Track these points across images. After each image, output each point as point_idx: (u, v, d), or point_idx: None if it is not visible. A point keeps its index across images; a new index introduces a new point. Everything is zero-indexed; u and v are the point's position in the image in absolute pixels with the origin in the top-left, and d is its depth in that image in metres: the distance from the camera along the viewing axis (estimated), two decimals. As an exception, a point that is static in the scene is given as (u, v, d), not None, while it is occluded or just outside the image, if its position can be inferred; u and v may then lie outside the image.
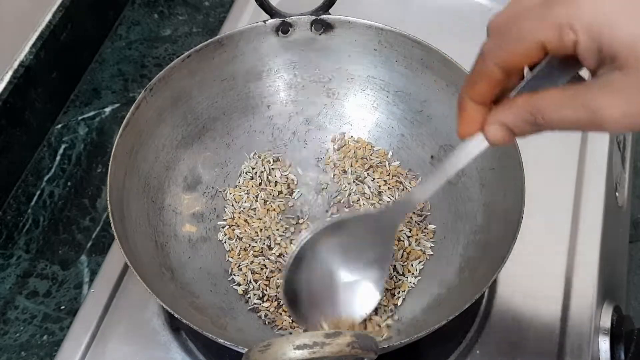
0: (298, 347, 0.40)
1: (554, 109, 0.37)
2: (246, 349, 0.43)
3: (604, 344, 0.61)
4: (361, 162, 0.67)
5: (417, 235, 0.63)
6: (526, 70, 0.39)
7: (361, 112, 0.68)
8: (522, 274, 0.63)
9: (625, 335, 0.61)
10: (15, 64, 0.74)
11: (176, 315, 0.51)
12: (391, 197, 0.65)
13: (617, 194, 0.75)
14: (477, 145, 0.42)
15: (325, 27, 0.65)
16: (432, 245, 0.62)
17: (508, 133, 0.39)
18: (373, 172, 0.66)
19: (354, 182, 0.66)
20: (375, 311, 0.57)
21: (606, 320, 0.63)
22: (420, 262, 0.62)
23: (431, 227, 0.63)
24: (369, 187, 0.65)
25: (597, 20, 0.34)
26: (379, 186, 0.65)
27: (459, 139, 0.42)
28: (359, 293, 0.54)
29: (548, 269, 0.64)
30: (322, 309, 0.53)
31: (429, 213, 0.64)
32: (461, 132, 0.42)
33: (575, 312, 0.62)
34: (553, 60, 0.38)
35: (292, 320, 0.59)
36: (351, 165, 0.67)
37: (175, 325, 0.62)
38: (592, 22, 0.34)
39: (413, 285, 0.60)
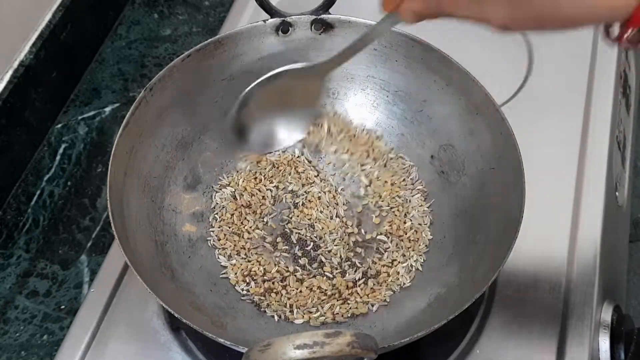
0: (298, 347, 0.40)
1: (454, 6, 0.44)
2: (246, 349, 0.43)
3: (604, 343, 0.61)
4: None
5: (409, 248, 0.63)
6: None
7: (361, 111, 0.68)
8: (522, 273, 0.63)
9: (625, 335, 0.61)
10: (15, 64, 0.74)
11: (176, 315, 0.51)
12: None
13: (617, 193, 0.75)
14: (393, 20, 0.51)
15: (325, 26, 0.65)
16: (423, 260, 0.63)
17: (417, 17, 0.47)
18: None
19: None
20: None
21: (606, 320, 0.63)
22: (407, 271, 0.62)
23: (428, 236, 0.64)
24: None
25: None
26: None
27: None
28: (295, 124, 0.66)
29: (548, 269, 0.64)
30: (265, 137, 0.66)
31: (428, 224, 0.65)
32: (385, 6, 0.50)
33: (575, 311, 0.62)
34: None
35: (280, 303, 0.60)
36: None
37: (175, 325, 0.62)
38: None
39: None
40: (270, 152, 0.68)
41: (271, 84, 0.61)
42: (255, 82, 0.61)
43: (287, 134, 0.66)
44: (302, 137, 0.67)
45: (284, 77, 0.61)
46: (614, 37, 0.44)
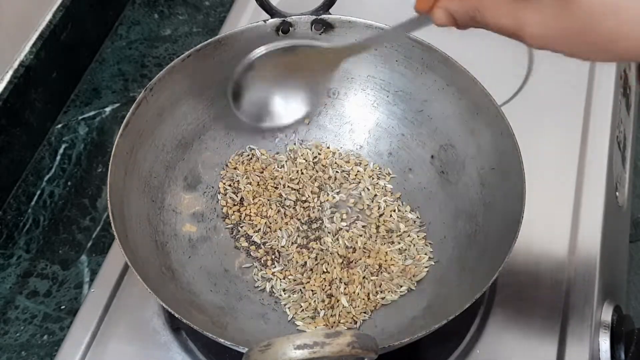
0: (298, 347, 0.40)
1: (492, 12, 0.40)
2: (246, 349, 0.43)
3: (604, 343, 0.61)
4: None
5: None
6: None
7: (361, 111, 0.68)
8: (523, 274, 0.63)
9: (625, 335, 0.61)
10: (16, 64, 0.73)
11: (176, 315, 0.51)
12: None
13: (617, 193, 0.75)
14: (425, 21, 0.46)
15: (325, 26, 0.65)
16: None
17: (450, 19, 0.43)
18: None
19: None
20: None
21: (606, 320, 0.63)
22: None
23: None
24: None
25: None
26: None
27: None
28: (295, 103, 0.63)
29: (548, 269, 0.64)
30: (262, 109, 0.63)
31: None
32: (417, 6, 0.46)
33: (575, 312, 0.62)
34: None
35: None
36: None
37: (175, 325, 0.62)
38: None
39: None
40: (264, 125, 0.65)
41: (285, 55, 0.58)
42: (270, 48, 0.58)
43: (285, 111, 0.64)
44: (300, 117, 0.65)
45: (300, 52, 0.59)
46: None
